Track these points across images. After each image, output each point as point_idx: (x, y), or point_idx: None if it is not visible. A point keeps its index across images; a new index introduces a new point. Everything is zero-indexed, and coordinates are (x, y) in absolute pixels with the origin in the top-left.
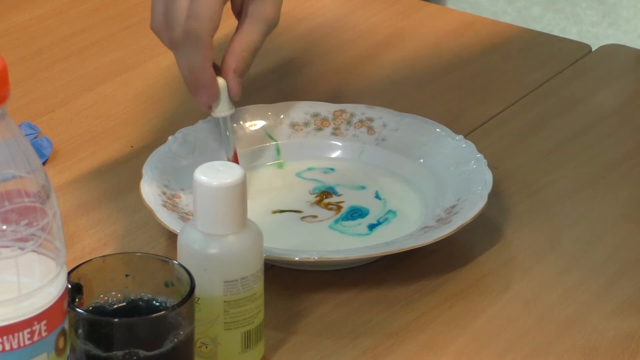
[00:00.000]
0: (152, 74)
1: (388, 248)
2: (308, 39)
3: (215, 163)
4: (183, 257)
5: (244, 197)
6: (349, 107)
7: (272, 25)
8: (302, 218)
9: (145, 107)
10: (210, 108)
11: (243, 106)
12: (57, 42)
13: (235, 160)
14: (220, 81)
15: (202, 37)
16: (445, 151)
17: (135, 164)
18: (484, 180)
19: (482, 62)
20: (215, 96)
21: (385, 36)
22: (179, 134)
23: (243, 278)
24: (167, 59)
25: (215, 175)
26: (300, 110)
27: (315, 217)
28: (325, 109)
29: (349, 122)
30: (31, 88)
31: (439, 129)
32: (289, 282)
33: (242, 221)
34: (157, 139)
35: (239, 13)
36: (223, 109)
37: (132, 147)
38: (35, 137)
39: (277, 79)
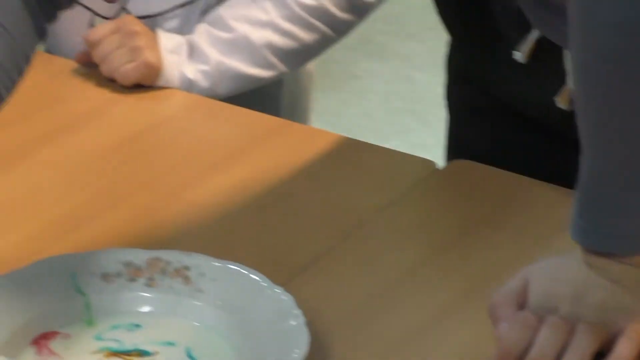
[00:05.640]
0: None
1: None
2: (125, 166)
3: None
4: None
5: None
6: (164, 254)
7: None
8: None
9: None
10: None
11: (48, 256)
12: None
13: None
14: None
15: None
16: (264, 305)
17: None
18: (301, 342)
19: (316, 187)
20: None
21: (213, 158)
22: None
23: None
24: None
25: None
26: (113, 258)
27: None
28: (139, 256)
29: (164, 272)
30: None
31: (258, 279)
32: None
33: None
34: None
35: None
36: None
37: None
38: None
39: (85, 221)
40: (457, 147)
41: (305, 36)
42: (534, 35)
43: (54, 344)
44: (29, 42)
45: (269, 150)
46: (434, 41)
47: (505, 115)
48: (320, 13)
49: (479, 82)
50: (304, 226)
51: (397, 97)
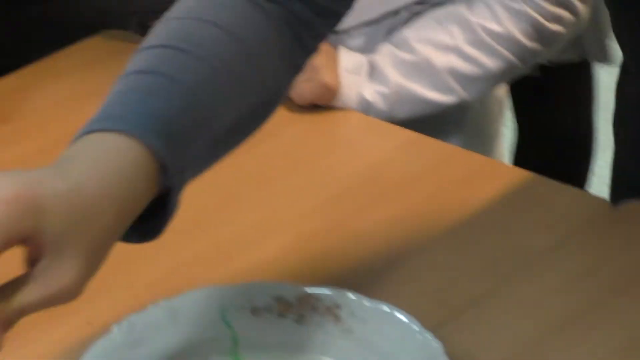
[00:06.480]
0: None
1: None
2: (293, 190)
3: None
4: None
5: None
6: (315, 291)
7: (63, 296)
8: None
9: (108, 275)
10: None
11: (196, 288)
12: None
13: None
14: None
15: None
16: (412, 350)
17: None
18: None
19: (482, 223)
20: None
21: (384, 186)
22: (125, 322)
23: None
24: None
25: None
26: (264, 292)
27: None
28: (290, 292)
29: (314, 309)
30: None
31: (409, 322)
32: None
33: None
34: (117, 316)
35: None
36: None
37: (89, 324)
38: None
39: (244, 248)
40: (625, 182)
41: (490, 63)
42: None
43: None
44: (280, 78)
45: (441, 181)
46: None
47: None
48: (506, 40)
49: None
50: (467, 265)
51: None
